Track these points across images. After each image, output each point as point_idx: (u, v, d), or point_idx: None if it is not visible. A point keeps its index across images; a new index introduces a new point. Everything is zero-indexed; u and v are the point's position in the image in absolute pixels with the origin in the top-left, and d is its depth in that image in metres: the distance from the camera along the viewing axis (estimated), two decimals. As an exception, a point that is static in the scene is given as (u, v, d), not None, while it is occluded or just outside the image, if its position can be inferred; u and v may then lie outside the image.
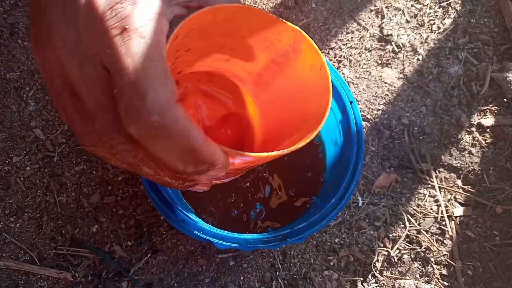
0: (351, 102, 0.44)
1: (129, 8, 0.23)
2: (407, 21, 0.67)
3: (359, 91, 0.62)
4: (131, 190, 0.55)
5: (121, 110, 0.22)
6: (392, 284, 0.52)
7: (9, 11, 0.62)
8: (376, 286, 0.52)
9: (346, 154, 0.43)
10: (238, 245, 0.39)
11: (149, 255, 0.52)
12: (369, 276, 0.52)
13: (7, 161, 0.55)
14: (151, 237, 0.53)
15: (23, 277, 0.51)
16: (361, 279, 0.52)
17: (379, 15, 0.67)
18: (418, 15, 0.67)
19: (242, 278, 0.52)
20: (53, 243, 0.52)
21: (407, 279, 0.52)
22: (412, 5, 0.68)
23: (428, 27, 0.66)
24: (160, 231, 0.53)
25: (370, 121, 0.60)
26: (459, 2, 0.68)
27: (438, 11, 0.67)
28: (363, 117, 0.61)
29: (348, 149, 0.43)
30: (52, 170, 0.55)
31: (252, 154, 0.26)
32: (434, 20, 0.67)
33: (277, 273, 0.52)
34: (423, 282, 0.52)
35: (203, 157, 0.23)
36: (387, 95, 0.62)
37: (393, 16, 0.67)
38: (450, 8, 0.67)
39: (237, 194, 0.50)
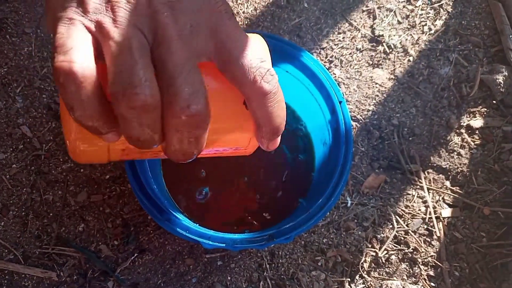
0: (340, 102, 0.44)
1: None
2: (399, 22, 0.67)
3: (349, 92, 0.62)
4: (119, 188, 0.54)
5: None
6: (380, 284, 0.52)
7: (-3, 6, 0.61)
8: (363, 287, 0.52)
9: (335, 154, 0.43)
10: (224, 244, 0.38)
11: (135, 255, 0.52)
12: (357, 277, 0.52)
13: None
14: (138, 236, 0.52)
15: (7, 277, 0.50)
16: (349, 279, 0.52)
17: (371, 16, 0.67)
18: (410, 16, 0.67)
19: (229, 278, 0.51)
20: (38, 242, 0.52)
21: (394, 279, 0.52)
22: (404, 6, 0.68)
23: (420, 28, 0.66)
24: (147, 230, 0.53)
25: (360, 121, 0.60)
26: (451, 4, 0.68)
27: (429, 13, 0.67)
28: (353, 118, 0.60)
29: (336, 149, 0.43)
30: (39, 168, 0.54)
31: None
32: (426, 21, 0.67)
33: (265, 273, 0.52)
34: (410, 283, 0.52)
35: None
36: (377, 95, 0.62)
37: (385, 17, 0.67)
38: (441, 10, 0.68)
39: (226, 192, 0.50)
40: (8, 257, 0.51)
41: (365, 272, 0.52)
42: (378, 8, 0.67)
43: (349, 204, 0.56)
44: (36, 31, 0.61)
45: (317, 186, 0.48)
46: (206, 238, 0.39)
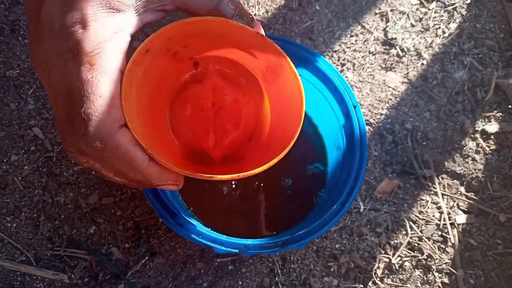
0: (354, 107, 0.43)
1: (78, 30, 0.24)
2: (412, 25, 0.66)
3: (362, 95, 0.61)
4: (130, 191, 0.54)
5: (74, 128, 0.24)
6: (393, 291, 0.51)
7: (10, 8, 0.62)
8: (376, 294, 0.51)
9: (349, 159, 0.43)
10: (237, 250, 0.38)
11: (146, 258, 0.51)
12: (370, 283, 0.52)
13: (5, 160, 0.54)
14: (149, 239, 0.52)
15: (19, 278, 0.50)
16: (362, 286, 0.51)
17: (384, 19, 0.66)
18: (423, 19, 0.66)
19: (240, 283, 0.51)
20: (50, 243, 0.52)
21: (408, 286, 0.51)
22: (417, 9, 0.67)
23: (433, 32, 0.65)
24: (158, 233, 0.52)
25: (373, 125, 0.60)
26: (465, 6, 0.67)
27: (443, 16, 0.67)
28: (366, 122, 0.60)
29: (351, 154, 0.43)
30: (51, 169, 0.54)
31: (205, 175, 0.27)
32: (439, 24, 0.66)
33: (276, 278, 0.51)
34: (424, 290, 0.51)
35: (148, 176, 0.26)
36: (390, 99, 0.61)
37: (398, 20, 0.66)
38: (455, 13, 0.67)
39: (238, 199, 0.49)
40: (20, 258, 0.51)
41: (378, 279, 0.52)
42: (391, 10, 0.67)
43: (362, 210, 0.55)
44: (49, 33, 0.61)
45: (330, 191, 0.47)
46: (219, 243, 0.38)
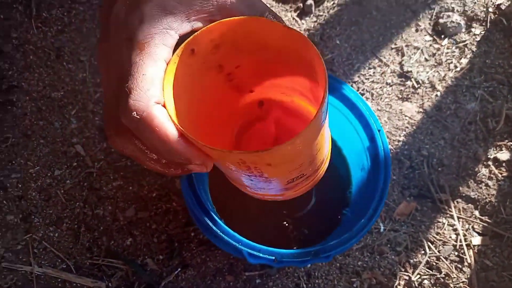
0: (379, 130, 0.48)
1: (136, 23, 0.28)
2: (426, 60, 0.71)
3: (381, 123, 0.66)
4: (164, 206, 0.58)
5: (119, 104, 0.28)
6: (413, 308, 0.54)
7: (56, 36, 0.67)
8: (397, 310, 0.54)
9: (374, 178, 0.46)
10: (273, 257, 0.41)
11: (179, 270, 0.54)
12: (391, 299, 0.54)
13: (49, 174, 0.59)
14: (182, 252, 0.55)
15: (59, 285, 0.53)
16: (383, 302, 0.54)
17: (399, 53, 0.71)
18: (436, 54, 0.71)
19: (267, 296, 0.54)
20: (89, 253, 0.55)
21: (427, 303, 0.54)
22: (430, 45, 0.72)
23: (446, 66, 0.70)
24: (190, 246, 0.56)
25: (391, 151, 0.64)
26: (475, 43, 0.72)
27: (455, 51, 0.72)
28: (384, 147, 0.64)
29: (376, 173, 0.46)
30: (91, 184, 0.58)
31: (236, 151, 0.27)
32: (451, 59, 0.71)
33: (301, 292, 0.54)
34: (443, 307, 0.54)
35: (177, 152, 0.28)
36: (407, 127, 0.66)
37: (412, 54, 0.71)
38: (466, 49, 0.72)
39: (267, 213, 0.53)
40: (61, 266, 0.54)
41: (398, 295, 0.54)
42: (406, 46, 0.72)
43: (382, 230, 0.58)
44: (90, 59, 0.67)
45: (354, 209, 0.51)
46: (256, 250, 0.41)
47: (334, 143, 0.56)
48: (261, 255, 0.41)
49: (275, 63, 0.34)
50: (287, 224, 0.53)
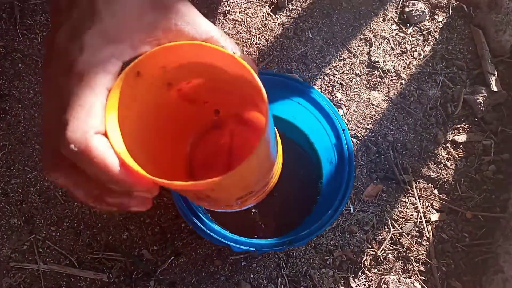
0: (343, 130, 0.53)
1: (76, 52, 0.28)
2: (392, 48, 0.76)
3: (350, 112, 0.71)
4: (155, 201, 0.64)
5: (57, 136, 0.27)
6: (379, 279, 0.61)
7: (42, 42, 0.70)
8: (365, 281, 0.62)
9: (340, 173, 0.53)
10: (253, 248, 0.48)
11: (172, 258, 0.61)
12: (359, 273, 0.62)
13: (46, 178, 0.64)
14: (174, 242, 0.62)
15: (65, 279, 0.59)
16: (353, 275, 0.62)
17: (368, 43, 0.76)
18: (402, 43, 0.76)
19: (252, 276, 0.61)
20: (90, 248, 0.61)
21: (391, 275, 0.62)
22: (396, 34, 0.77)
23: (411, 54, 0.76)
24: (181, 236, 0.62)
25: (360, 138, 0.70)
26: (438, 30, 0.77)
27: (419, 39, 0.77)
28: (353, 135, 0.70)
29: (341, 168, 0.53)
30: (86, 185, 0.64)
31: (166, 181, 0.27)
32: (416, 47, 0.76)
33: (282, 271, 0.61)
34: (404, 278, 0.62)
35: (119, 181, 0.27)
36: (374, 115, 0.71)
37: (380, 44, 0.76)
38: (429, 37, 0.77)
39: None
40: (65, 262, 0.60)
41: (366, 269, 0.62)
42: (373, 36, 0.76)
43: (352, 211, 0.65)
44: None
45: (325, 198, 0.57)
46: (239, 243, 0.48)
47: (307, 140, 0.62)
48: (243, 247, 0.48)
49: (224, 81, 0.33)
50: (269, 212, 0.60)
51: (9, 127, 0.65)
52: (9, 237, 0.60)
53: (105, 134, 0.27)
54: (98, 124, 0.27)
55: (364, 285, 0.61)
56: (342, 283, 0.61)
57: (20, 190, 0.62)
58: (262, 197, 0.40)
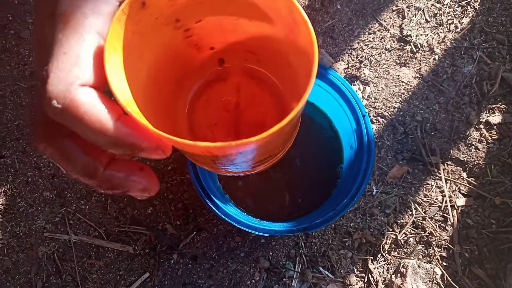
0: (363, 116, 0.52)
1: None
2: (427, 21, 0.71)
3: (377, 90, 0.69)
4: (179, 178, 0.65)
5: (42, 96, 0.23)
6: (398, 263, 0.61)
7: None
8: (384, 264, 0.62)
9: (359, 160, 0.52)
10: (267, 234, 0.49)
11: (194, 233, 0.63)
12: (378, 256, 0.62)
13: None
14: (196, 217, 0.64)
15: (94, 249, 0.63)
16: (371, 257, 0.62)
17: (400, 15, 0.72)
18: (438, 15, 0.71)
19: (271, 253, 0.62)
20: (117, 222, 0.64)
21: (411, 259, 0.61)
22: (432, 5, 0.72)
23: (446, 27, 0.71)
24: (203, 213, 0.64)
25: (387, 118, 0.67)
26: (479, 0, 0.72)
27: (457, 10, 0.72)
28: (380, 114, 0.68)
29: (360, 156, 0.51)
30: (113, 161, 0.66)
31: (187, 142, 0.21)
32: (453, 19, 0.71)
33: (300, 250, 0.62)
34: (424, 262, 0.61)
35: (120, 140, 0.22)
36: (403, 93, 0.68)
37: (413, 16, 0.71)
38: (469, 7, 0.71)
39: (268, 186, 0.59)
40: (94, 234, 0.63)
41: (385, 252, 0.62)
42: (407, 7, 0.72)
43: (374, 192, 0.64)
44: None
45: (343, 183, 0.57)
46: (253, 229, 0.49)
47: (330, 123, 0.60)
48: (257, 232, 0.48)
49: (243, 18, 0.28)
50: (286, 196, 0.60)
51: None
52: (42, 209, 0.64)
53: (95, 86, 0.22)
54: (86, 74, 0.22)
55: (383, 267, 0.61)
56: (360, 265, 0.62)
57: (51, 165, 0.66)
58: (272, 164, 0.36)
